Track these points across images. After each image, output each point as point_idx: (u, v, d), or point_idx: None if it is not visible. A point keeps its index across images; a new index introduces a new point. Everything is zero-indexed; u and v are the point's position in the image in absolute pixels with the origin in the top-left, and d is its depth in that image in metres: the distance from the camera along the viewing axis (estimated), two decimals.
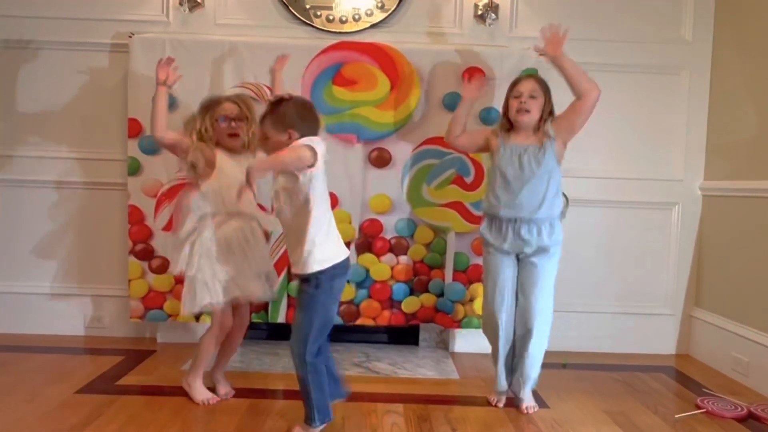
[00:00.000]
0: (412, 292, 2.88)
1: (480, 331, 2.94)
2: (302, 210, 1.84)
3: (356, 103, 2.80)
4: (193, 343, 2.94)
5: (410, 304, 2.87)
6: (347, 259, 1.96)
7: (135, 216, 2.82)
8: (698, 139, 3.04)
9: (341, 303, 2.84)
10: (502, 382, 2.35)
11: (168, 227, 2.81)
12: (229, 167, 2.19)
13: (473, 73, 2.72)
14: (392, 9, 2.90)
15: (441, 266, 2.88)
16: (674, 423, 2.20)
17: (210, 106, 2.23)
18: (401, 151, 2.83)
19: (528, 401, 2.31)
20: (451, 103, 2.81)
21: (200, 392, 2.24)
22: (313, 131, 1.89)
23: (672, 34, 3.00)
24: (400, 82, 2.79)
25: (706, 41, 3.00)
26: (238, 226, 2.19)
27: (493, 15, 2.91)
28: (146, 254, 2.83)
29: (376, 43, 2.81)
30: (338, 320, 2.85)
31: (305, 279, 1.90)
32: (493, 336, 2.37)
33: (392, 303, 2.88)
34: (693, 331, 3.06)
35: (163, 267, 2.83)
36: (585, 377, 2.67)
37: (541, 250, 2.25)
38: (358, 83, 2.80)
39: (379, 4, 2.90)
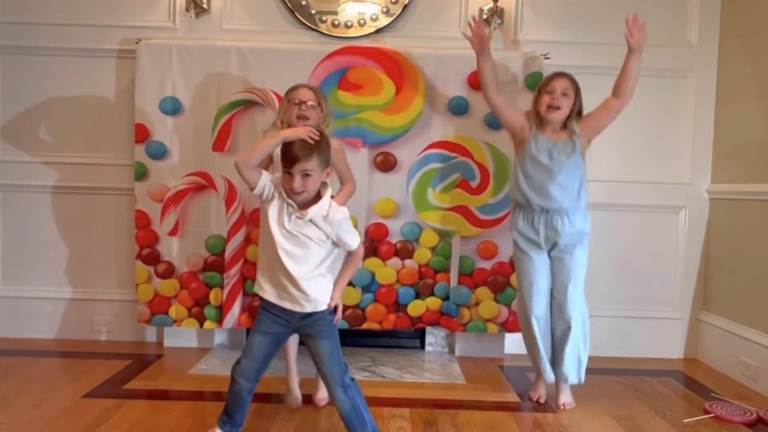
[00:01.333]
0: (417, 296, 2.88)
1: (486, 334, 2.95)
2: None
3: (362, 108, 2.80)
4: (200, 348, 2.98)
5: (416, 308, 2.87)
6: None
7: (142, 221, 2.83)
8: (705, 142, 3.03)
9: (347, 307, 2.85)
10: (549, 374, 2.37)
11: (174, 232, 2.83)
12: None
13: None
14: (397, 14, 2.91)
15: (446, 270, 2.87)
16: (682, 428, 2.18)
17: (289, 90, 2.30)
18: (407, 155, 2.84)
19: (566, 398, 2.36)
20: (457, 107, 2.82)
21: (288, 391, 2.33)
22: None
23: (678, 37, 2.99)
24: (405, 86, 2.80)
25: (712, 44, 2.99)
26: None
27: (498, 19, 2.91)
28: (152, 259, 2.84)
29: (381, 47, 2.82)
30: (344, 324, 2.85)
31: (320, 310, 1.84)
32: (530, 335, 2.38)
33: (398, 307, 2.88)
34: (701, 335, 3.04)
35: (168, 272, 2.84)
36: (592, 382, 2.64)
37: (573, 242, 2.32)
38: (363, 88, 2.80)
39: (384, 9, 2.91)
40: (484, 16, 2.92)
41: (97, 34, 2.94)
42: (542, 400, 2.39)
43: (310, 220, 1.78)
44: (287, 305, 1.81)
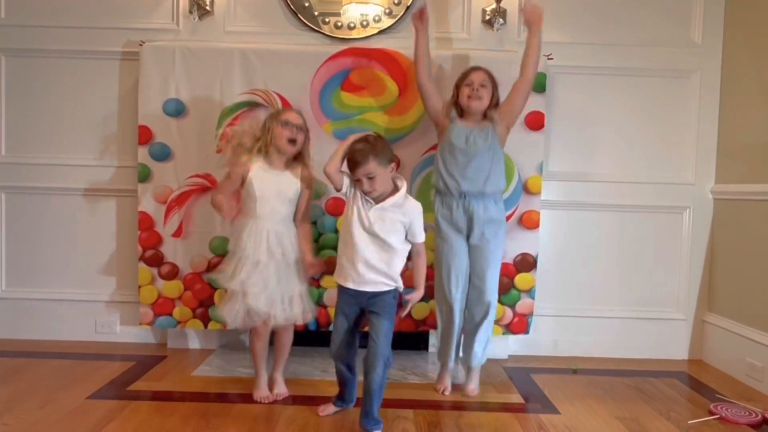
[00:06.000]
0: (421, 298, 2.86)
1: (491, 337, 2.93)
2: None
3: (364, 109, 2.81)
4: (203, 349, 2.98)
5: (420, 310, 2.86)
6: None
7: (145, 222, 2.84)
8: (709, 142, 3.01)
9: None
10: (452, 360, 2.50)
11: (177, 233, 2.83)
12: (260, 179, 2.28)
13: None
14: (400, 15, 2.91)
15: None
16: (687, 429, 2.17)
17: (278, 113, 2.37)
18: (410, 156, 2.83)
19: (473, 383, 2.48)
20: None
21: (256, 389, 2.37)
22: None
23: (682, 36, 2.98)
24: (408, 87, 2.79)
25: (716, 43, 2.98)
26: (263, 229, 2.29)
27: (500, 20, 2.91)
28: (156, 260, 2.84)
29: (384, 48, 2.82)
30: None
31: (386, 291, 2.07)
32: (447, 320, 2.48)
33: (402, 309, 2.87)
34: (706, 336, 3.03)
35: (172, 273, 2.85)
36: (596, 383, 2.65)
37: (488, 228, 2.40)
38: (366, 89, 2.81)
39: (387, 11, 2.91)
40: (487, 17, 2.92)
41: (100, 37, 2.94)
42: (447, 392, 2.47)
43: (388, 210, 2.00)
44: (365, 287, 2.04)
